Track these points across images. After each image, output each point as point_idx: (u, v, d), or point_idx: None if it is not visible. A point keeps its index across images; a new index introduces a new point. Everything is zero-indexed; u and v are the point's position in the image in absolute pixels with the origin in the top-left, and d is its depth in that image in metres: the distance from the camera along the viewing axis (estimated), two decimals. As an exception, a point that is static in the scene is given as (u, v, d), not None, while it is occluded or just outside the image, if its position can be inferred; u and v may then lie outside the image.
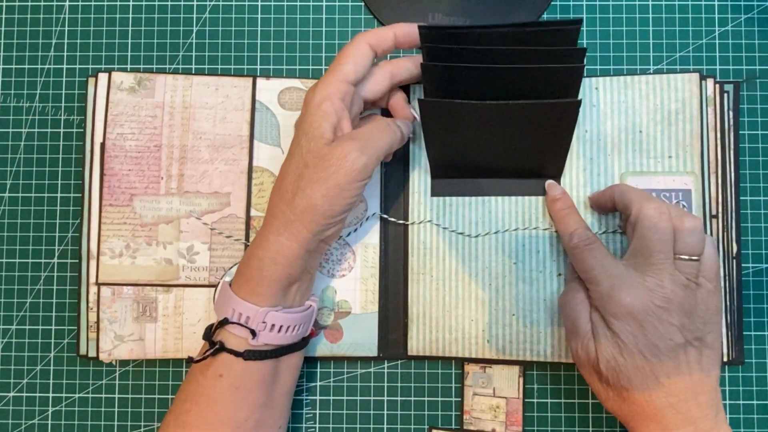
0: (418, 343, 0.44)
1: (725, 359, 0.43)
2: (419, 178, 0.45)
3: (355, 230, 0.45)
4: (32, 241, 0.46)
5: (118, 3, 0.47)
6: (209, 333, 0.38)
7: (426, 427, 0.45)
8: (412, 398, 0.45)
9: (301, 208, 0.36)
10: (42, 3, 0.48)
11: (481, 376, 0.44)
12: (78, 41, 0.47)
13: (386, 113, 0.44)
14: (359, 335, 0.44)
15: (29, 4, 0.48)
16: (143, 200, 0.45)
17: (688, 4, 0.46)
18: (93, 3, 0.48)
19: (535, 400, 0.44)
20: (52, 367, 0.46)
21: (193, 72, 0.47)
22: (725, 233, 0.43)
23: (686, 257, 0.36)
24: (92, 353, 0.44)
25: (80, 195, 0.45)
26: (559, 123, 0.39)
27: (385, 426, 0.45)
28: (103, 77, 0.45)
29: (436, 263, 0.44)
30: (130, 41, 0.47)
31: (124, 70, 0.46)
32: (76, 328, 0.45)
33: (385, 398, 0.45)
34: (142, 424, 0.45)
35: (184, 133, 0.45)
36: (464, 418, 0.44)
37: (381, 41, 0.39)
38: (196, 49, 0.47)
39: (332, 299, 0.44)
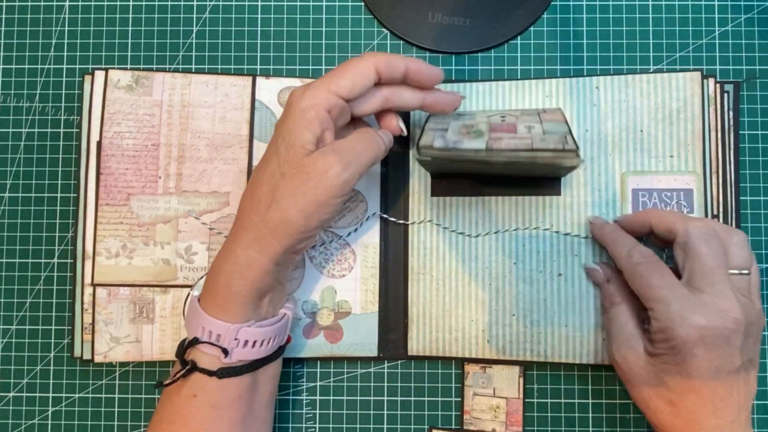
0: (418, 343, 0.44)
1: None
2: (419, 178, 0.45)
3: (355, 230, 0.45)
4: (32, 241, 0.46)
5: (119, 3, 0.47)
6: (182, 350, 0.36)
7: (426, 427, 0.45)
8: (412, 398, 0.45)
9: (274, 221, 0.34)
10: (42, 3, 0.48)
11: (481, 376, 0.44)
12: (78, 41, 0.47)
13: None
14: (359, 335, 0.44)
15: (29, 4, 0.48)
16: (140, 200, 0.44)
17: (688, 4, 0.46)
18: (93, 3, 0.48)
19: (535, 400, 0.44)
20: (51, 368, 0.46)
21: (193, 72, 0.47)
22: (726, 233, 0.43)
23: (737, 271, 0.35)
24: (87, 356, 0.44)
25: (76, 194, 0.45)
26: (559, 171, 0.40)
27: (385, 426, 0.45)
28: (99, 75, 0.45)
29: (436, 263, 0.44)
30: (130, 41, 0.47)
31: (123, 68, 0.46)
32: (70, 329, 0.45)
33: (385, 398, 0.45)
34: (142, 424, 0.45)
35: (183, 132, 0.45)
36: (464, 418, 0.44)
37: (389, 69, 0.36)
38: (196, 49, 0.47)
39: (332, 299, 0.44)
